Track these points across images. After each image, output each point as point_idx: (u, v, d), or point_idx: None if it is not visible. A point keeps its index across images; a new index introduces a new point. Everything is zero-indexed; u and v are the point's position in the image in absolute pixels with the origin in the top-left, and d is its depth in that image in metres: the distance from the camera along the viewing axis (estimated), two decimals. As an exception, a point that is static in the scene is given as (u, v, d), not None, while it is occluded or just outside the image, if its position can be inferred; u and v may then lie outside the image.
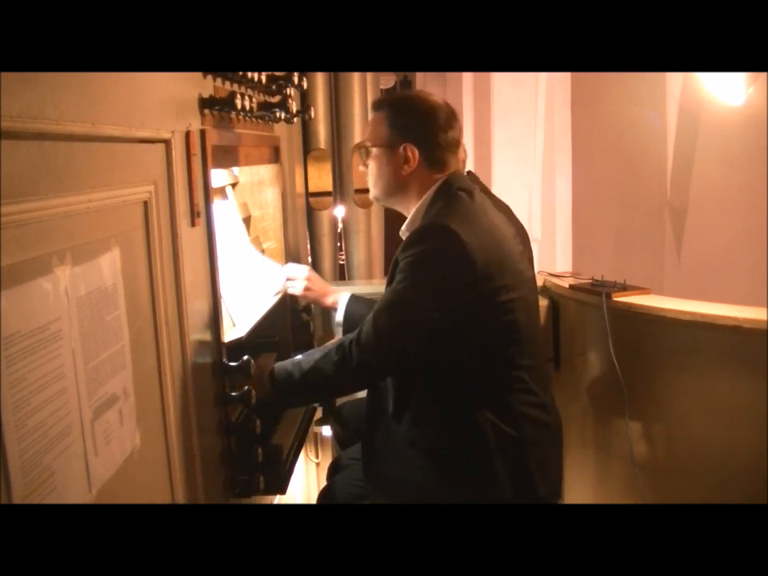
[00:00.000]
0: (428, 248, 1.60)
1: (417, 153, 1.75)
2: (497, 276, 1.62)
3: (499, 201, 2.39)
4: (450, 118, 1.78)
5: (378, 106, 1.85)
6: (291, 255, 2.58)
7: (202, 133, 1.44)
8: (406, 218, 1.92)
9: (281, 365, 1.76)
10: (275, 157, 2.37)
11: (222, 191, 2.14)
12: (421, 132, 1.76)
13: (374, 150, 1.81)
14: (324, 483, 2.22)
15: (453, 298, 1.60)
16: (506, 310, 1.65)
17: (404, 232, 1.83)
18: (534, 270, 1.80)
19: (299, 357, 1.76)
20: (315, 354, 1.72)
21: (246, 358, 1.59)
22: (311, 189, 3.17)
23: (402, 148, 1.75)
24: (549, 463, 1.73)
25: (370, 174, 1.85)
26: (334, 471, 2.24)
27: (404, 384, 1.74)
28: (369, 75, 3.32)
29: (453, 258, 1.58)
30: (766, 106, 3.82)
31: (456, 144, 1.81)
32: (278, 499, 1.96)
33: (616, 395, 2.13)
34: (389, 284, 1.70)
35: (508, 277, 1.65)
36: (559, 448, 1.80)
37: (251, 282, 2.06)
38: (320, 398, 2.17)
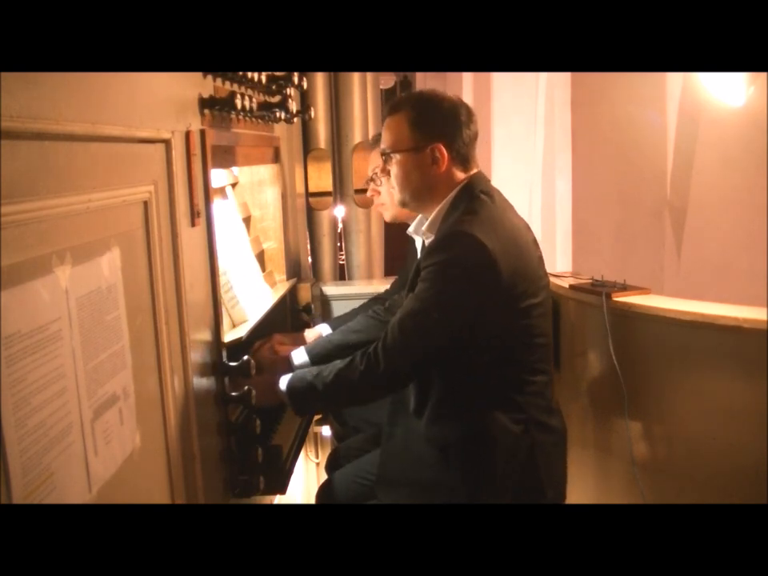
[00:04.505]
0: (453, 256, 1.58)
1: (446, 152, 1.70)
2: (519, 283, 1.61)
3: None
4: (470, 112, 1.75)
5: (395, 108, 1.76)
6: (291, 255, 2.58)
7: (202, 133, 1.44)
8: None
9: (298, 376, 1.73)
10: (275, 157, 2.38)
11: (222, 191, 2.14)
12: (447, 131, 1.71)
13: (398, 156, 1.74)
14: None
15: (477, 305, 1.59)
16: (526, 316, 1.65)
17: (424, 233, 1.79)
18: (548, 276, 1.80)
19: (316, 368, 1.74)
20: (336, 363, 1.69)
21: (245, 357, 1.59)
22: (311, 189, 3.16)
23: (429, 149, 1.70)
24: (555, 467, 1.74)
25: (394, 179, 1.77)
26: (332, 463, 2.24)
27: (425, 382, 1.73)
28: (369, 75, 3.31)
29: (478, 266, 1.57)
30: (766, 107, 3.81)
31: (476, 138, 1.77)
32: (278, 499, 1.96)
33: (616, 395, 2.13)
34: (411, 290, 1.68)
35: (529, 283, 1.65)
36: (564, 452, 1.80)
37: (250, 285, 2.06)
38: (345, 406, 2.17)
